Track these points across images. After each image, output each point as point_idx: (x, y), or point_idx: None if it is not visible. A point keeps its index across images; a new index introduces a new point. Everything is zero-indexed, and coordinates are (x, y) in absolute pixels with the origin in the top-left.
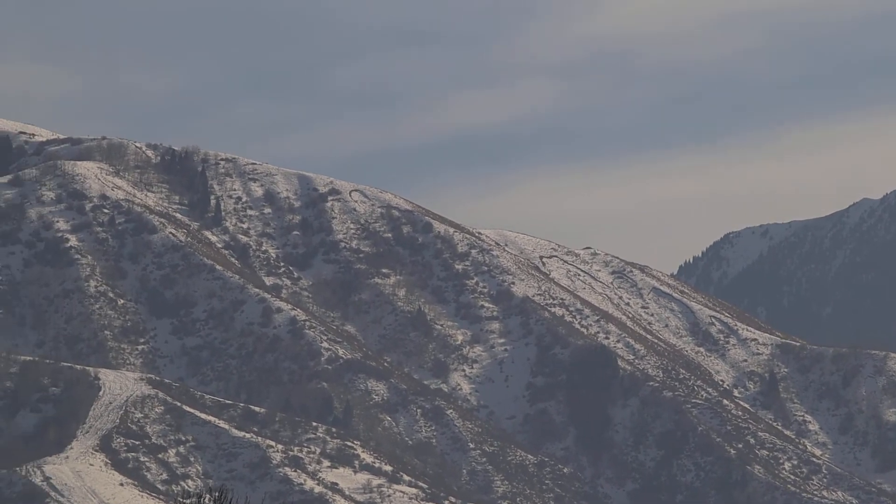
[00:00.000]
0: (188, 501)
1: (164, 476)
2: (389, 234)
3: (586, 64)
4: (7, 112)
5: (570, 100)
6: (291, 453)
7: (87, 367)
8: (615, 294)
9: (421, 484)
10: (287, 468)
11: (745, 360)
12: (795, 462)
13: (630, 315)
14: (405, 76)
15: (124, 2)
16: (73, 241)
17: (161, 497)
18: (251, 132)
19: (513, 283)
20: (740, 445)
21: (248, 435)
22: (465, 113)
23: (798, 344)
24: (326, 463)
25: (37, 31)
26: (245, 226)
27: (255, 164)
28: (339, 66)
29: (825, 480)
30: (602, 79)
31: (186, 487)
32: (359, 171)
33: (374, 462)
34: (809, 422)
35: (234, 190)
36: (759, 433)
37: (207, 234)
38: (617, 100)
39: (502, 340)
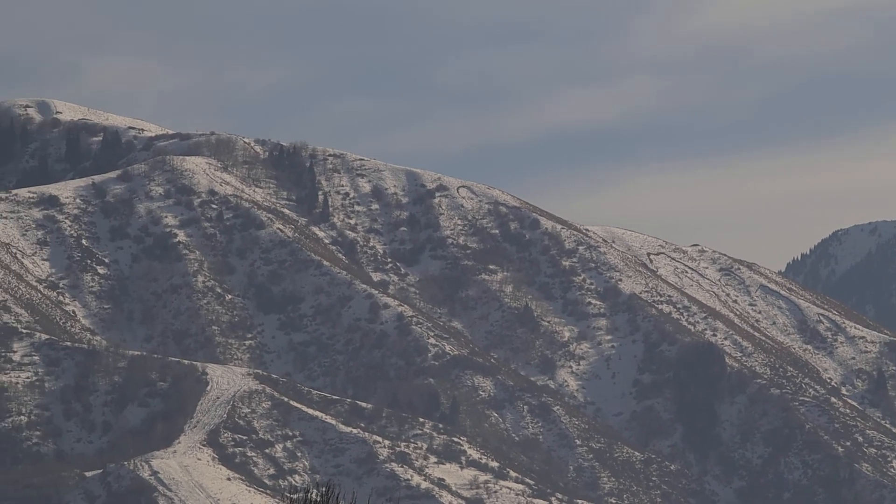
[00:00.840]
0: (295, 497)
1: (271, 471)
2: (497, 231)
3: (694, 60)
4: (116, 107)
5: (678, 96)
6: (398, 449)
7: (195, 362)
8: (723, 291)
9: (527, 480)
10: (394, 464)
11: (853, 358)
12: None
13: (737, 312)
14: (511, 72)
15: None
16: (181, 236)
17: (268, 492)
18: (358, 128)
19: (620, 279)
20: (848, 443)
21: (354, 430)
22: (571, 109)
23: None
24: (433, 459)
25: (145, 26)
26: (352, 221)
27: (362, 159)
28: (444, 63)
29: None
30: (709, 75)
31: (293, 483)
32: (466, 167)
33: (481, 458)
34: None
35: (342, 186)
36: (867, 431)
37: (315, 229)
38: (725, 96)
39: (609, 337)
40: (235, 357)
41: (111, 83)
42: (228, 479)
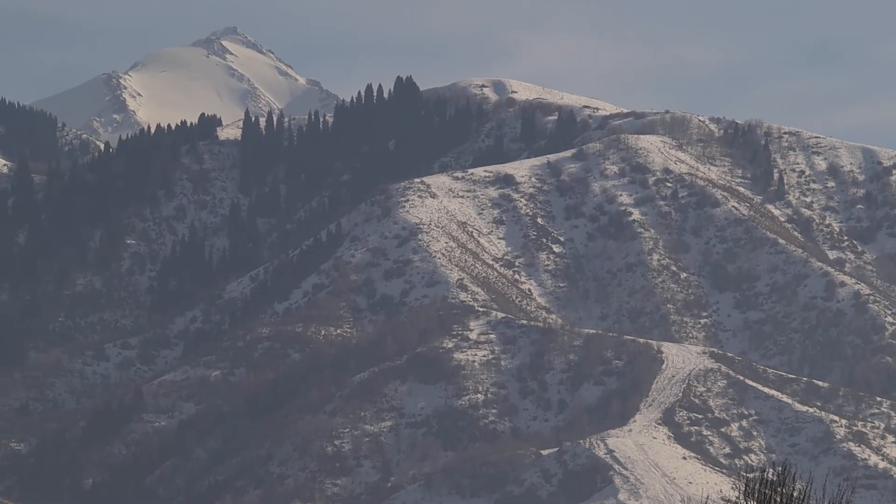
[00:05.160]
0: (751, 476)
1: (727, 450)
2: None
3: None
4: (572, 87)
5: None
6: (855, 428)
7: (650, 341)
8: None
9: None
10: (851, 443)
11: None
12: None
13: None
14: None
15: None
16: (635, 214)
17: (723, 471)
18: (810, 105)
19: None
20: None
21: (810, 409)
22: None
23: None
24: (891, 438)
25: (589, 4)
26: (808, 199)
27: (818, 137)
28: (890, 38)
29: None
30: None
31: (749, 462)
32: None
33: None
34: None
35: (798, 164)
36: None
37: (770, 207)
38: None
39: None
40: (691, 335)
41: (560, 61)
42: (684, 457)
